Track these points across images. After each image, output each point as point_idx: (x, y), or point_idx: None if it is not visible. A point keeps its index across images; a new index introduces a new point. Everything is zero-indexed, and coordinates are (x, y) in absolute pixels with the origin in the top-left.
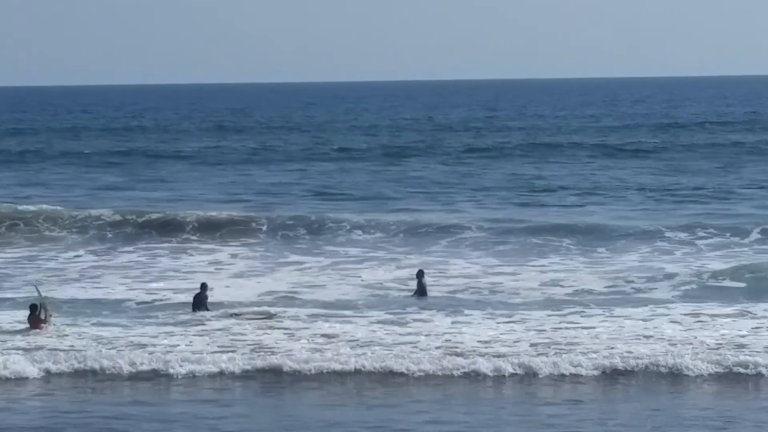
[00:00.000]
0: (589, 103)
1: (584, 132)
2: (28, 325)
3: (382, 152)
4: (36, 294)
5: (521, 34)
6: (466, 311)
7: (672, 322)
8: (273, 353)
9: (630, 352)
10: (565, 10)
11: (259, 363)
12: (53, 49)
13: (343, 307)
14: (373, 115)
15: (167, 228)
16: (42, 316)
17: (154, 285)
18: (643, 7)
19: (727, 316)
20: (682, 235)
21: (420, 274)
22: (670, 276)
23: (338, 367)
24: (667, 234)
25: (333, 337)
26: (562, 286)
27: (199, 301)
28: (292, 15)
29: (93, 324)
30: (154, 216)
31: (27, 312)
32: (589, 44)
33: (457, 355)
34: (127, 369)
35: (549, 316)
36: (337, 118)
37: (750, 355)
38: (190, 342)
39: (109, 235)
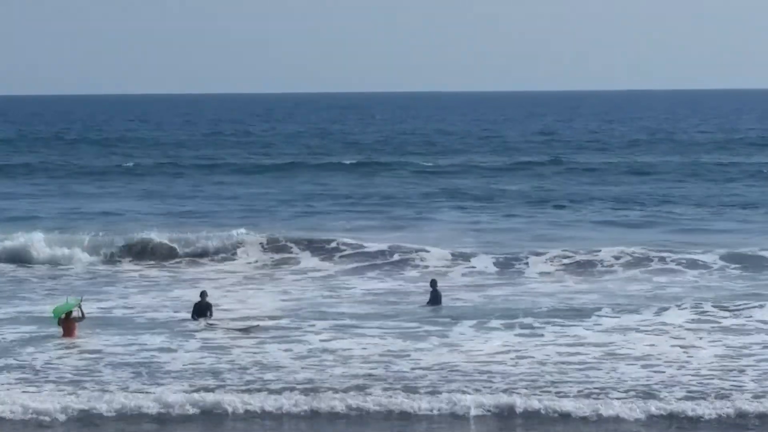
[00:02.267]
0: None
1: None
2: (61, 332)
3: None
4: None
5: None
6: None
7: None
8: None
9: None
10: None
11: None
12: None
13: (367, 318)
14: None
15: None
16: (79, 314)
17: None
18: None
19: None
20: None
21: (434, 283)
22: None
23: None
24: None
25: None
26: None
27: (200, 310)
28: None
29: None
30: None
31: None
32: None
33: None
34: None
35: None
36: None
37: None
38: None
39: None
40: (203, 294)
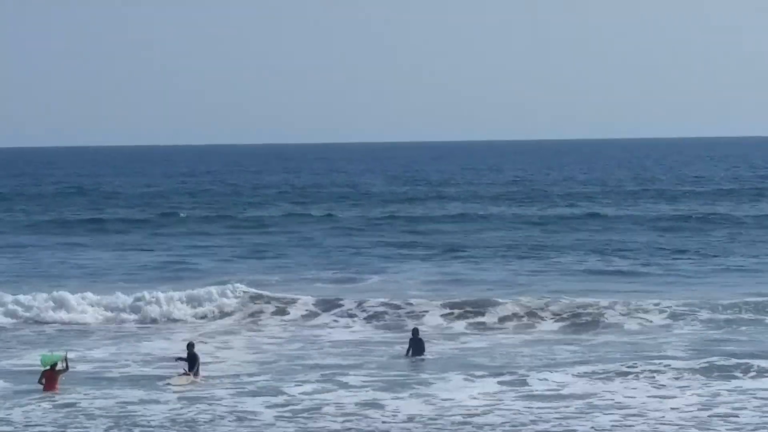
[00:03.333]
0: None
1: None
2: (41, 386)
3: None
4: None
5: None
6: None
7: None
8: None
9: None
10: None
11: None
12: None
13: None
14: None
15: None
16: (63, 366)
17: None
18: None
19: None
20: None
21: (415, 332)
22: None
23: None
24: None
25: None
26: None
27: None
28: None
29: None
30: None
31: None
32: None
33: None
34: None
35: None
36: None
37: None
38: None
39: None
40: (190, 345)
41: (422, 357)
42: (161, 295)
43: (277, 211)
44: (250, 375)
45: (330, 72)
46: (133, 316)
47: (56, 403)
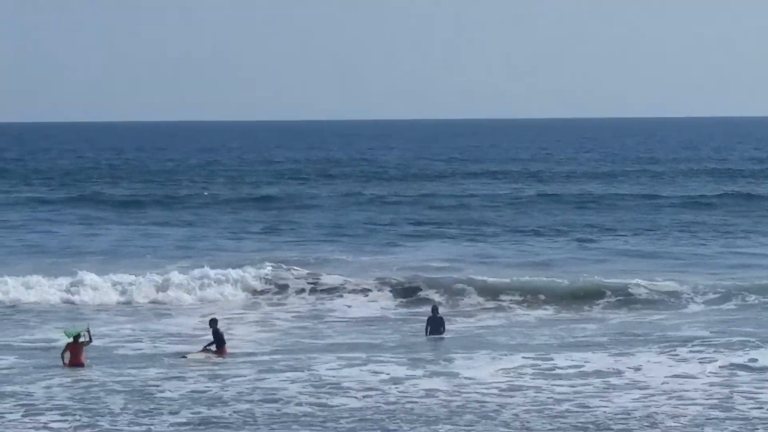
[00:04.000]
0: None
1: None
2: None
3: None
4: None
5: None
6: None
7: None
8: None
9: None
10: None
11: None
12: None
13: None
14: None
15: None
16: (87, 338)
17: None
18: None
19: None
20: None
21: (434, 310)
22: None
23: None
24: None
25: None
26: None
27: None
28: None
29: None
30: None
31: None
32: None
33: None
34: None
35: None
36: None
37: None
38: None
39: None
40: (213, 321)
41: (441, 336)
42: (182, 276)
43: (298, 187)
44: (272, 352)
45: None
46: (156, 295)
47: (75, 378)
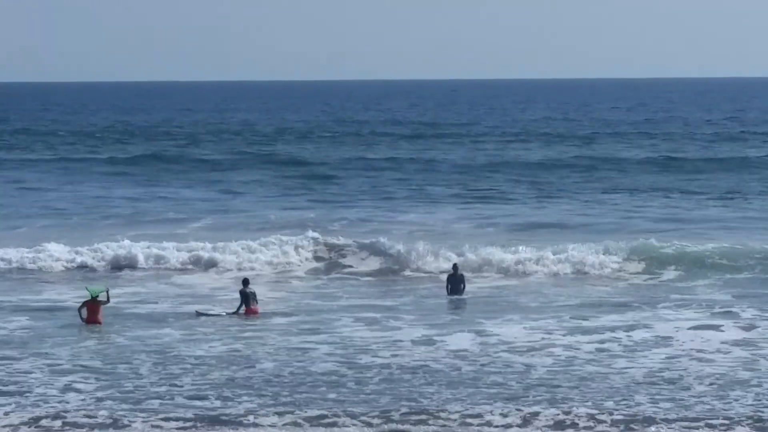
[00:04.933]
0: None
1: None
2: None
3: None
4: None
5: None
6: None
7: None
8: None
9: None
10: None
11: None
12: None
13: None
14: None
15: None
16: (105, 299)
17: None
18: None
19: None
20: None
21: (455, 267)
22: None
23: None
24: None
25: None
26: None
27: (245, 297)
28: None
29: None
30: None
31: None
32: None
33: None
34: None
35: None
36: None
37: None
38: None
39: None
40: (246, 281)
41: (461, 297)
42: (234, 245)
43: (320, 151)
44: (298, 314)
45: None
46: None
47: (101, 338)
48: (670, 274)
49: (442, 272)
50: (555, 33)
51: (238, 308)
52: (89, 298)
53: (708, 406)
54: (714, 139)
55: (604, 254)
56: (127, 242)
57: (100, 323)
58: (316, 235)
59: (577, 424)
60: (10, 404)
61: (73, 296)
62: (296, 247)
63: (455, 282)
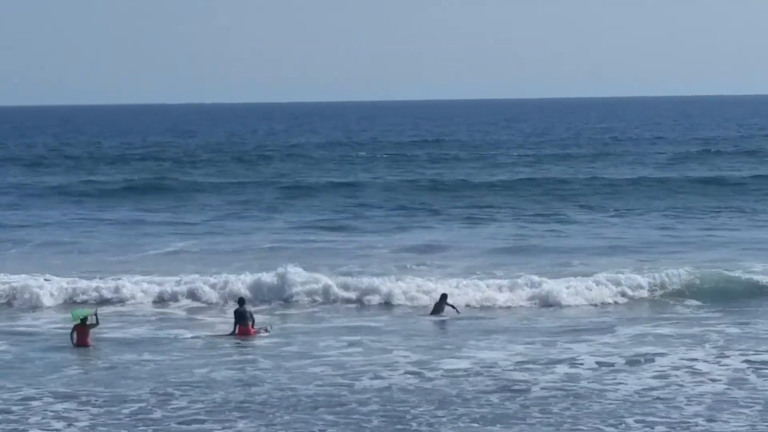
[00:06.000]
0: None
1: None
2: (73, 342)
3: None
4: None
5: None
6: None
7: None
8: None
9: None
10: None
11: None
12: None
13: None
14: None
15: None
16: (94, 321)
17: None
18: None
19: None
20: None
21: (444, 298)
22: None
23: None
24: None
25: None
26: None
27: (242, 316)
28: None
29: None
30: None
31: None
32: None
33: None
34: None
35: None
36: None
37: None
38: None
39: None
40: (242, 301)
41: (441, 317)
42: None
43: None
44: (289, 339)
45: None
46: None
47: (92, 362)
48: None
49: None
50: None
51: (234, 328)
52: (78, 322)
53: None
54: None
55: None
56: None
57: (88, 345)
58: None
59: None
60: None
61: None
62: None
63: (439, 304)
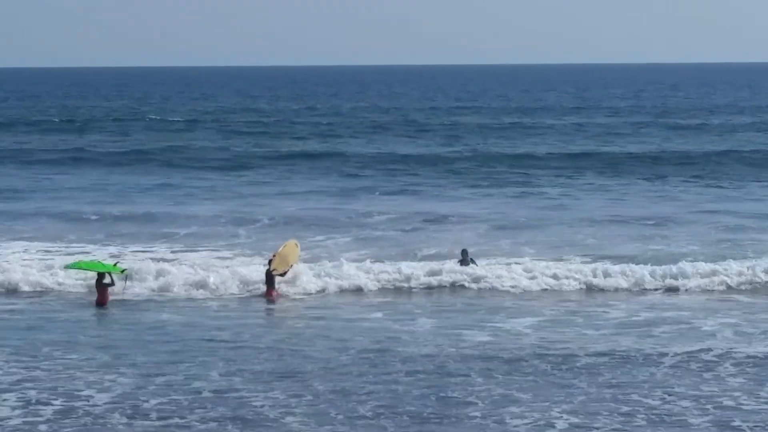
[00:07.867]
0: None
1: None
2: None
3: None
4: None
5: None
6: None
7: None
8: None
9: None
10: None
11: None
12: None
13: None
14: None
15: None
16: (110, 280)
17: None
18: None
19: None
20: None
21: (464, 253)
22: None
23: None
24: None
25: None
26: None
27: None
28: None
29: None
30: None
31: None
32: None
33: None
34: None
35: None
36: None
37: None
38: None
39: None
40: (271, 262)
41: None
42: None
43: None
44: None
45: None
46: None
47: (119, 321)
48: None
49: None
50: None
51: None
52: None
53: None
54: None
55: None
56: None
57: (104, 304)
58: None
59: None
60: None
61: None
62: None
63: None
